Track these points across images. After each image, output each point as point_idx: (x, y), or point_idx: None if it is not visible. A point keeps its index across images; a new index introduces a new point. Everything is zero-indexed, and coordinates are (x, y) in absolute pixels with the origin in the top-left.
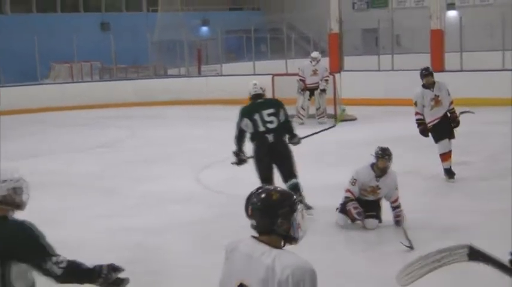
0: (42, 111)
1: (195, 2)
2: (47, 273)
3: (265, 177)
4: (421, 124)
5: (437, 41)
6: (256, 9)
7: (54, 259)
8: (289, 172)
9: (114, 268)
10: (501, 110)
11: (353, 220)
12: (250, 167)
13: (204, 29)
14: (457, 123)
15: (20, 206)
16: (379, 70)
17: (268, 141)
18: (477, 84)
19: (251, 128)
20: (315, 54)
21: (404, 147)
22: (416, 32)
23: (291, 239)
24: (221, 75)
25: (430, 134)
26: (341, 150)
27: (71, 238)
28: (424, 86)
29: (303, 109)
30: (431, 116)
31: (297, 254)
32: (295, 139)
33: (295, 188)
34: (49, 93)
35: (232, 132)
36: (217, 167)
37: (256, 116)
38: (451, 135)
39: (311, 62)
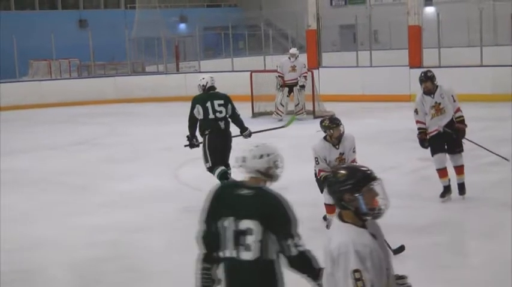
0: (20, 109)
1: None
2: (283, 250)
3: (218, 162)
4: (422, 133)
5: (415, 37)
6: (234, 5)
7: (296, 239)
8: (226, 162)
9: None
10: (479, 106)
11: None
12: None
13: (182, 25)
14: (462, 134)
15: (274, 178)
16: (357, 66)
17: (221, 127)
18: (455, 80)
19: (202, 115)
20: (293, 50)
21: (383, 143)
22: (394, 28)
23: (362, 214)
24: (199, 71)
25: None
26: None
27: (46, 235)
28: (424, 91)
29: (282, 105)
30: (432, 126)
31: (356, 232)
32: (246, 132)
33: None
34: (27, 90)
35: None
36: (195, 164)
37: (208, 104)
38: (454, 149)
39: (289, 58)
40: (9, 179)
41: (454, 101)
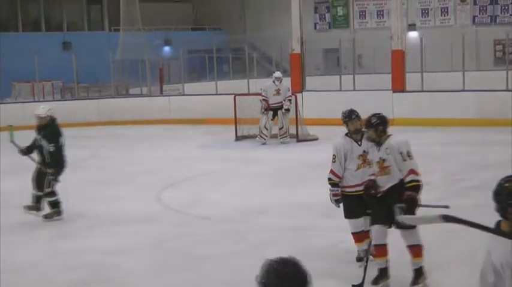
0: (2, 131)
1: (157, 21)
2: None
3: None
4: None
5: (399, 61)
6: (218, 29)
7: None
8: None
9: None
10: (461, 131)
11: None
12: (217, 188)
13: (167, 48)
14: (415, 205)
15: None
16: (340, 90)
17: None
18: (438, 105)
19: (60, 144)
20: (278, 74)
21: None
22: (377, 52)
23: None
24: (183, 94)
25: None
26: (301, 170)
27: (30, 258)
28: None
29: (266, 129)
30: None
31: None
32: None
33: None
34: (10, 112)
35: (194, 151)
36: (179, 187)
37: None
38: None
39: (274, 82)
40: None
41: (404, 160)
